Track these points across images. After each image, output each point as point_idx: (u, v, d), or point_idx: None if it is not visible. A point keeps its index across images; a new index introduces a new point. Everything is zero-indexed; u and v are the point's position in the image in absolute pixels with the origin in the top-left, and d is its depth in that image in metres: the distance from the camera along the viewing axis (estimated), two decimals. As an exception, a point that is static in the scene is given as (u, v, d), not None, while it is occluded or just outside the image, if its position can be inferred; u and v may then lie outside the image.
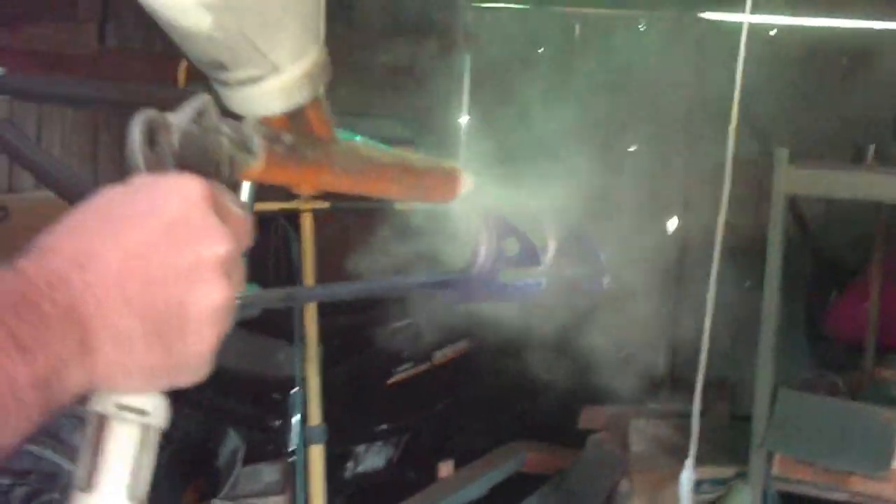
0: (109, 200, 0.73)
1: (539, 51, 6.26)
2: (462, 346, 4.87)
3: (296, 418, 4.13)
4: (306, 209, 3.58)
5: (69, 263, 0.69)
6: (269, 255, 4.90)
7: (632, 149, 6.18)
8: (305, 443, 3.68)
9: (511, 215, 1.21)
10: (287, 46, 0.79)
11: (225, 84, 0.81)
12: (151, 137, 0.73)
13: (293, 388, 4.04)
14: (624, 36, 6.07)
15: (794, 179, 3.35)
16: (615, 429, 4.63)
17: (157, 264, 0.71)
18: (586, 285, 1.25)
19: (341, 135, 1.43)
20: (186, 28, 0.75)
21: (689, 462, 2.31)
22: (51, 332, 0.66)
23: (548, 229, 1.24)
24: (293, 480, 3.91)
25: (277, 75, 0.80)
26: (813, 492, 3.61)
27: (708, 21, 5.99)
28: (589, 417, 4.96)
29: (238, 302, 0.80)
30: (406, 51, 6.29)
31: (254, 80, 0.80)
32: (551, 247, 1.22)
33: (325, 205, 3.59)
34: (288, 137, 0.82)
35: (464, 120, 6.33)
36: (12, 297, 0.66)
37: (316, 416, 3.65)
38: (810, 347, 4.99)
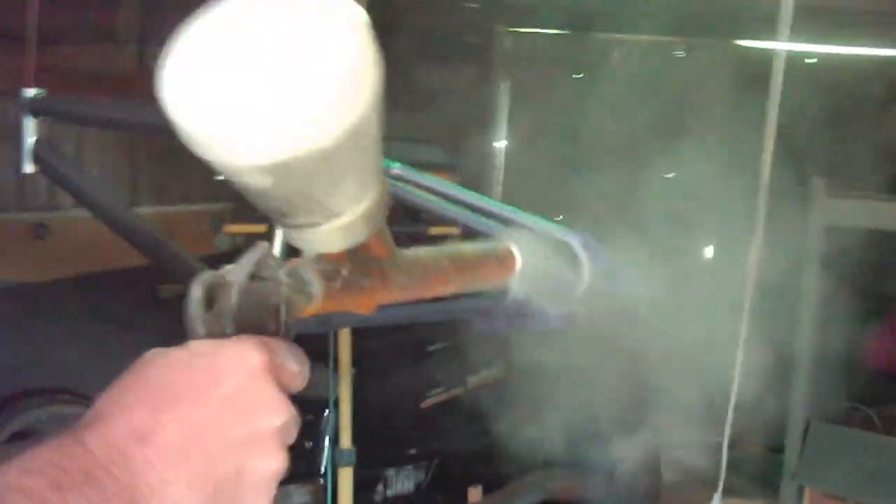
0: (169, 368, 0.73)
1: (576, 76, 6.26)
2: (496, 371, 4.86)
3: (327, 440, 4.13)
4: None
5: (130, 437, 0.69)
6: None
7: (668, 175, 6.16)
8: (335, 465, 3.66)
9: (546, 240, 1.21)
10: (347, 195, 0.78)
11: (285, 225, 0.81)
12: (210, 299, 0.74)
13: (326, 409, 4.04)
14: (661, 62, 6.07)
15: (831, 210, 3.32)
16: (647, 457, 4.59)
17: (216, 439, 0.71)
18: (622, 314, 1.24)
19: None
20: (248, 185, 0.74)
21: (717, 496, 2.28)
22: None
23: (583, 255, 1.23)
24: (323, 502, 3.90)
25: (337, 219, 0.79)
26: (844, 527, 3.56)
27: (744, 48, 5.98)
28: (621, 446, 4.92)
29: None
30: (445, 76, 6.31)
31: (313, 225, 0.79)
32: (586, 273, 1.22)
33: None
34: (346, 269, 0.83)
35: (501, 144, 6.34)
36: (77, 471, 0.66)
37: (347, 439, 3.64)
38: (847, 379, 4.94)
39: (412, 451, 4.55)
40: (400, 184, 1.35)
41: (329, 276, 0.81)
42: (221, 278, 0.74)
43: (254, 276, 0.75)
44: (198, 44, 0.71)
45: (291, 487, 4.19)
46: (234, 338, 0.74)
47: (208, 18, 0.72)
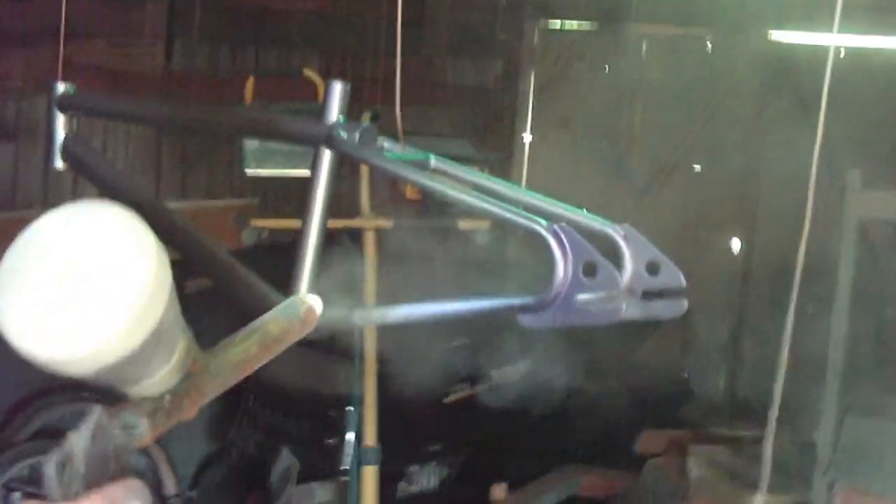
0: None
1: (605, 69, 6.22)
2: (522, 367, 4.83)
3: (350, 437, 4.11)
4: (370, 227, 3.57)
5: None
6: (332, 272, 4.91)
7: (697, 168, 6.13)
8: (359, 463, 3.64)
9: (586, 236, 1.19)
10: (160, 362, 0.94)
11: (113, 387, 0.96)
12: (63, 468, 0.88)
13: (349, 406, 4.03)
14: (691, 54, 6.02)
15: (866, 203, 3.29)
16: (674, 454, 4.56)
17: None
18: (665, 309, 1.22)
19: (415, 156, 1.42)
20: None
21: (760, 498, 2.25)
22: None
23: (624, 247, 1.21)
24: (346, 500, 3.88)
25: (154, 377, 0.95)
26: (877, 524, 3.52)
27: (775, 41, 5.93)
28: (648, 442, 4.90)
29: None
30: (473, 70, 6.29)
31: (132, 387, 0.95)
32: (628, 268, 1.19)
33: (388, 223, 3.58)
34: (166, 400, 0.98)
35: (528, 138, 6.30)
36: None
37: (371, 437, 3.62)
38: (878, 371, 4.89)
39: (436, 448, 4.53)
40: (436, 177, 1.33)
41: (153, 413, 0.96)
42: (69, 451, 0.89)
43: (93, 438, 0.90)
44: (15, 283, 0.85)
45: (314, 485, 4.18)
46: (85, 500, 0.88)
47: (21, 258, 0.87)
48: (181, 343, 0.96)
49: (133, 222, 0.87)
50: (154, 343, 0.87)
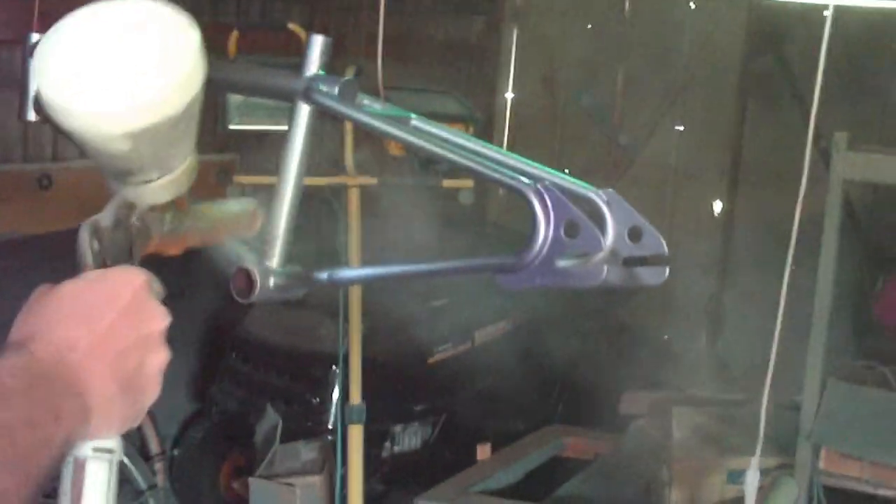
0: (76, 292, 0.97)
1: (588, 27, 6.18)
2: (503, 326, 4.82)
3: (335, 396, 4.09)
4: (353, 184, 3.52)
5: (63, 348, 0.93)
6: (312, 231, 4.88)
7: (679, 128, 6.10)
8: (345, 421, 3.63)
9: (568, 196, 1.16)
10: (180, 154, 1.02)
11: (127, 183, 1.02)
12: (93, 236, 0.99)
13: (332, 365, 4.00)
14: (674, 13, 5.98)
15: (851, 164, 3.27)
16: (657, 415, 4.56)
17: (122, 340, 0.96)
18: (647, 275, 1.19)
19: (396, 112, 1.39)
20: (108, 151, 0.94)
21: (755, 462, 2.23)
22: (67, 403, 0.91)
23: (606, 212, 1.18)
24: (332, 458, 3.87)
25: (169, 174, 1.02)
26: (860, 487, 3.54)
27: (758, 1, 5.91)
28: (630, 403, 4.90)
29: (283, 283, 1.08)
30: (455, 26, 6.23)
31: (150, 181, 1.02)
32: (611, 231, 1.17)
33: (372, 180, 3.54)
34: (168, 218, 1.08)
35: (510, 95, 6.26)
36: (43, 378, 0.90)
37: (357, 395, 3.60)
38: (856, 336, 4.90)
39: (419, 408, 4.52)
40: (417, 135, 1.29)
41: (159, 222, 1.07)
42: (99, 225, 1.00)
43: (117, 221, 1.01)
44: (77, 41, 0.94)
45: (300, 444, 4.16)
46: (117, 266, 1.00)
47: (80, 21, 0.96)
48: (190, 157, 1.04)
49: (181, 11, 0.95)
50: (187, 120, 0.96)
